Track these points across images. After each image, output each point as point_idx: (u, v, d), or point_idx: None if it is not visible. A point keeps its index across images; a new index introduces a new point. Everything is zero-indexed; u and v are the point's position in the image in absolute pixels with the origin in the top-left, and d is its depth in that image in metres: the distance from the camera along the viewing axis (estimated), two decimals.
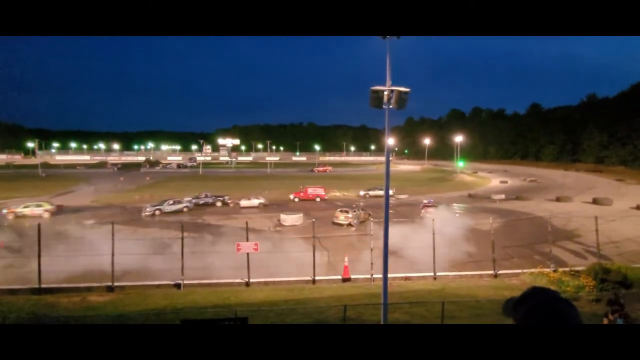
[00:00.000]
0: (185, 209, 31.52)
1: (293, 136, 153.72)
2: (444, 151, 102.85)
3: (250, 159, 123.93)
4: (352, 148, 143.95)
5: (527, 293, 1.40)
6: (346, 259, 16.14)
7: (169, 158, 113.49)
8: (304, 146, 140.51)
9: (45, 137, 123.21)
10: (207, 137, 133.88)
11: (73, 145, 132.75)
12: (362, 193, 41.34)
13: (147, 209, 30.22)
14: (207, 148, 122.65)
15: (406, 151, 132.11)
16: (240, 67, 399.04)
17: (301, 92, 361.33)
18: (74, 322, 11.46)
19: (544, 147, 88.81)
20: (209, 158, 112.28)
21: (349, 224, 25.58)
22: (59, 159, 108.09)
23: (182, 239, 15.73)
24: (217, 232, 22.37)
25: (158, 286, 15.19)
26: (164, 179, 58.38)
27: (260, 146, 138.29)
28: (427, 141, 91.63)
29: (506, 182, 55.47)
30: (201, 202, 34.40)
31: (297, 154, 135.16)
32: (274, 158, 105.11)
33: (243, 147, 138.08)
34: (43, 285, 14.42)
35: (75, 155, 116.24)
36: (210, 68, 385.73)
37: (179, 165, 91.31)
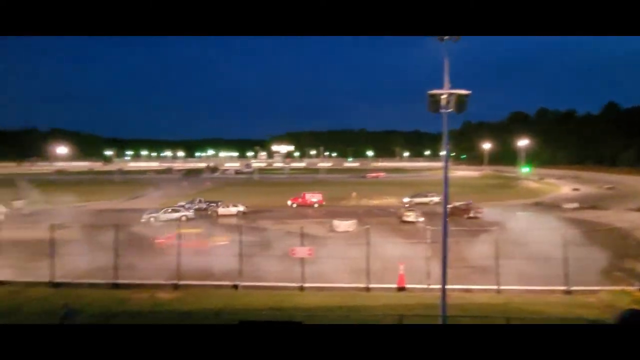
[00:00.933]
0: (183, 218, 30.37)
1: (345, 142, 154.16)
2: (505, 156, 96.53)
3: (303, 165, 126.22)
4: (406, 154, 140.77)
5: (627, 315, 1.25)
6: (401, 267, 15.71)
7: (226, 164, 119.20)
8: (356, 152, 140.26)
9: (120, 146, 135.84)
10: (262, 144, 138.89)
11: (144, 153, 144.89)
12: (406, 200, 39.10)
13: (144, 216, 30.22)
14: (262, 154, 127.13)
15: (463, 156, 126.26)
16: (292, 75, 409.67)
17: (352, 98, 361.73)
18: (143, 317, 12.40)
19: (621, 151, 79.99)
20: (263, 164, 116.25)
21: (415, 221, 28.16)
22: (132, 165, 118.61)
23: (241, 242, 16.37)
24: (274, 236, 22.95)
25: (217, 286, 15.91)
26: (222, 184, 61.44)
27: (313, 152, 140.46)
28: (486, 145, 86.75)
29: (578, 189, 50.68)
30: (195, 207, 34.50)
31: (350, 160, 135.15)
32: (326, 164, 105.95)
33: (296, 154, 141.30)
34: (117, 281, 15.79)
35: (146, 162, 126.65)
36: (263, 77, 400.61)
37: (236, 172, 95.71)
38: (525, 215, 32.20)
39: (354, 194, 43.78)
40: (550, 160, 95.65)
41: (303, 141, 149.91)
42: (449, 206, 35.52)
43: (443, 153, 12.69)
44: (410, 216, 29.59)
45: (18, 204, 36.83)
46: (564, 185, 56.51)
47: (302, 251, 15.85)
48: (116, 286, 15.71)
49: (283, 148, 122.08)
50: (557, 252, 15.96)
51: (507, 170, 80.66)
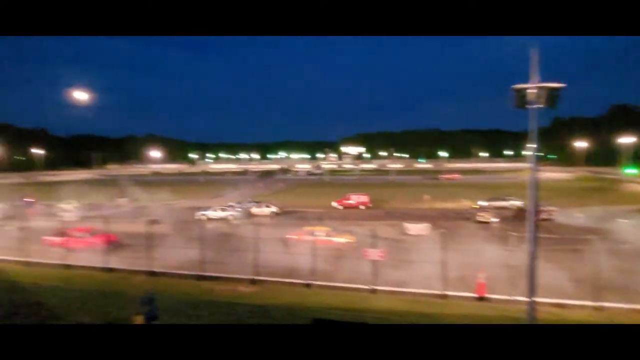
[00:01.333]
0: (230, 217, 31.85)
1: (417, 142, 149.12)
2: (603, 155, 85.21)
3: (373, 166, 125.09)
4: (484, 154, 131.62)
5: None
6: (481, 275, 14.74)
7: (297, 166, 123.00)
8: (429, 153, 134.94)
9: (203, 150, 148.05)
10: (332, 146, 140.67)
11: (223, 155, 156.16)
12: (482, 204, 35.63)
13: (197, 213, 32.38)
14: (333, 156, 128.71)
15: (552, 156, 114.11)
16: (361, 74, 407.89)
17: (425, 96, 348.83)
18: (224, 307, 13.37)
19: None
20: (334, 166, 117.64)
21: (489, 222, 28.19)
22: (213, 167, 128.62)
23: (314, 242, 16.78)
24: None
25: (290, 284, 16.50)
26: (294, 185, 63.56)
27: (383, 153, 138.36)
28: (580, 144, 77.43)
29: None
30: (243, 207, 35.19)
31: (422, 160, 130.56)
32: (397, 165, 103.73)
33: (367, 155, 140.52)
34: (204, 273, 17.24)
35: (225, 164, 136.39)
36: (332, 78, 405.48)
37: (308, 173, 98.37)
38: (629, 222, 28.06)
39: (426, 196, 42.16)
40: None
41: (374, 142, 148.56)
42: (511, 207, 33.25)
43: (528, 153, 11.67)
44: (484, 216, 29.77)
45: (121, 201, 42.15)
46: None
47: (373, 253, 15.73)
48: (202, 278, 17.14)
49: (353, 149, 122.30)
50: None
51: (606, 172, 71.04)
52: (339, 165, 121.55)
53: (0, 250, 21.03)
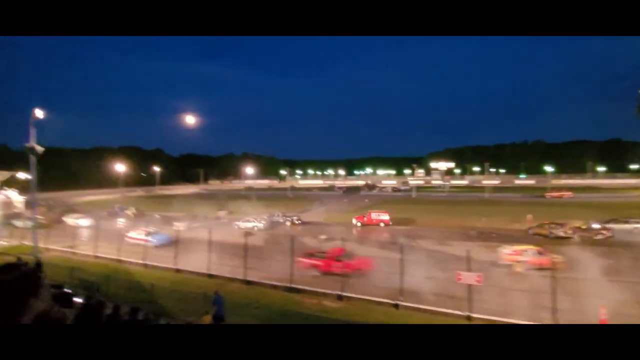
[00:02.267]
0: (255, 228, 34.71)
1: (516, 156, 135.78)
2: None
3: (464, 182, 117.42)
4: (601, 168, 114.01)
5: None
6: (603, 310, 12.62)
7: (383, 182, 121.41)
8: (530, 168, 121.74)
9: (292, 166, 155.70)
10: (419, 161, 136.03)
11: (310, 172, 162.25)
12: (596, 226, 30.11)
13: (233, 224, 36.51)
14: (420, 172, 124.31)
15: None
16: (449, 85, 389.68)
17: (521, 105, 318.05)
18: (315, 320, 13.63)
19: None
20: (421, 182, 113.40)
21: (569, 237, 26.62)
22: (301, 183, 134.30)
23: (402, 260, 16.28)
24: (434, 257, 21.98)
25: (379, 302, 16.14)
26: (379, 202, 62.73)
27: (476, 169, 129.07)
28: None
29: None
30: (273, 219, 38.52)
31: (522, 176, 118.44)
32: (493, 181, 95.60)
33: (457, 171, 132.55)
34: (292, 285, 17.90)
35: (312, 180, 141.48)
36: (419, 91, 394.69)
37: (393, 189, 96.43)
38: None
39: (529, 216, 37.86)
40: None
41: (465, 157, 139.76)
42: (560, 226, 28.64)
43: None
44: (564, 231, 28.94)
45: (220, 213, 46.31)
46: None
47: (469, 277, 14.58)
48: (291, 290, 17.79)
49: (442, 165, 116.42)
50: None
51: None
52: (427, 182, 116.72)
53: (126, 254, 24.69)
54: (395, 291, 15.97)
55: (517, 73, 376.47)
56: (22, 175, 38.78)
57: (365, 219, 38.58)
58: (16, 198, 39.06)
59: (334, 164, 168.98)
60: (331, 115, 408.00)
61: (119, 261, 24.11)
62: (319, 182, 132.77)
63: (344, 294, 16.78)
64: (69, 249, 27.34)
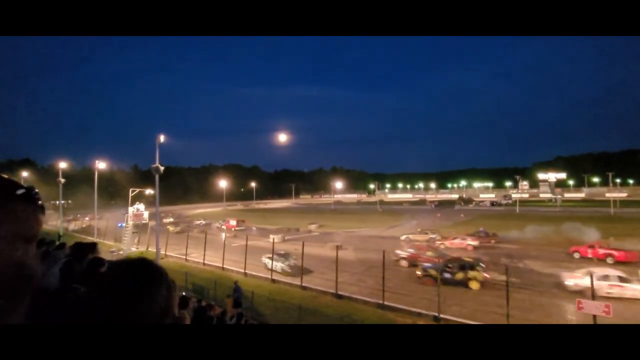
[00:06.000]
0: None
1: None
2: None
3: (581, 195, 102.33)
4: None
5: None
6: None
7: (481, 196, 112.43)
8: None
9: (381, 180, 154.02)
10: (523, 172, 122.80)
11: (400, 185, 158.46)
12: None
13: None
14: (524, 184, 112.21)
15: None
16: (556, 85, 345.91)
17: None
18: None
19: None
20: (526, 195, 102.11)
21: None
22: (390, 197, 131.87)
23: (507, 286, 14.65)
24: (544, 281, 19.39)
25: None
26: (477, 217, 58.05)
27: (596, 180, 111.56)
28: None
29: None
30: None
31: None
32: (620, 194, 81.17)
33: (570, 182, 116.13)
34: (385, 302, 17.40)
35: (402, 194, 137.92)
36: (520, 96, 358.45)
37: (492, 203, 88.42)
38: None
39: None
40: None
41: (580, 166, 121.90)
42: None
43: None
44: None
45: (312, 227, 47.74)
46: None
47: (594, 307, 12.43)
48: (383, 307, 17.29)
49: (552, 176, 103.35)
50: None
51: None
52: (533, 195, 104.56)
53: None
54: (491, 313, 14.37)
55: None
56: (148, 191, 45.25)
57: (589, 252, 26.75)
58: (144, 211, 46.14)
59: (425, 177, 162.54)
60: (422, 127, 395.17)
61: (223, 269, 26.33)
62: (408, 196, 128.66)
63: (442, 315, 15.68)
64: (182, 256, 30.86)
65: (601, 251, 26.13)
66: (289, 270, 23.32)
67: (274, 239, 30.40)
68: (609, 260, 25.07)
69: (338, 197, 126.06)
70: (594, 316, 12.40)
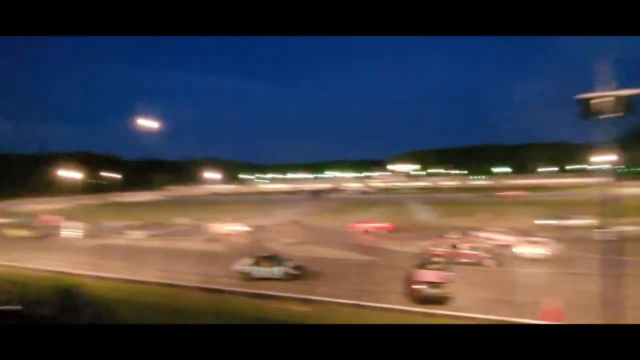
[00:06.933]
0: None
1: (475, 159, 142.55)
2: None
3: (427, 184, 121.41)
4: (551, 169, 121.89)
5: None
6: (549, 301, 13.39)
7: (348, 185, 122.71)
8: (488, 169, 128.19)
9: (258, 170, 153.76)
10: (383, 164, 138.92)
11: (276, 175, 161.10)
12: (541, 223, 33.28)
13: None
14: (384, 174, 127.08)
15: (633, 169, 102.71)
16: (413, 90, 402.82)
17: (482, 109, 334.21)
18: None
19: None
20: (385, 184, 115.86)
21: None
22: (267, 187, 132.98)
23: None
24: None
25: (341, 304, 16.16)
26: (346, 204, 63.33)
27: (438, 171, 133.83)
28: None
29: None
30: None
31: (481, 177, 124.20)
32: (452, 183, 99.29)
33: (420, 173, 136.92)
34: (257, 291, 17.56)
35: (278, 184, 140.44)
36: (383, 95, 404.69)
37: (358, 192, 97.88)
38: None
39: (482, 214, 39.61)
40: None
41: (427, 160, 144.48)
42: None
43: (603, 167, 10.65)
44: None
45: (180, 220, 44.71)
46: None
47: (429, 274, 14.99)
48: (256, 295, 17.42)
49: (404, 167, 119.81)
50: None
51: None
52: (390, 184, 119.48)
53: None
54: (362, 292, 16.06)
55: (479, 80, 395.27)
56: None
57: (366, 225, 34.74)
58: None
59: (300, 168, 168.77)
60: (298, 120, 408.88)
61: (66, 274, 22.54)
62: (284, 186, 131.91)
63: (312, 297, 16.66)
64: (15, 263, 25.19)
65: (372, 225, 34.59)
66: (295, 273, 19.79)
67: (133, 235, 27.36)
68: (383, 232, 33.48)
69: (212, 188, 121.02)
70: None
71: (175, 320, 13.84)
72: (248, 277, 19.64)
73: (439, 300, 15.28)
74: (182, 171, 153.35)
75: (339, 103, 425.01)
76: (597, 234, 26.89)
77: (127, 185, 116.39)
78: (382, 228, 33.98)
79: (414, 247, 25.18)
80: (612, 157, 8.70)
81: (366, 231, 34.08)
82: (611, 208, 8.57)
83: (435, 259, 18.86)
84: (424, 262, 17.97)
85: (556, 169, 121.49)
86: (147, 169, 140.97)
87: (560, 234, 27.61)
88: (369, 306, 15.54)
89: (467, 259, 21.15)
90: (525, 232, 27.86)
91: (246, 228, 36.01)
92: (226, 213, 48.25)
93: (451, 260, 20.11)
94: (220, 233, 33.82)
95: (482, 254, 21.30)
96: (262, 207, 63.10)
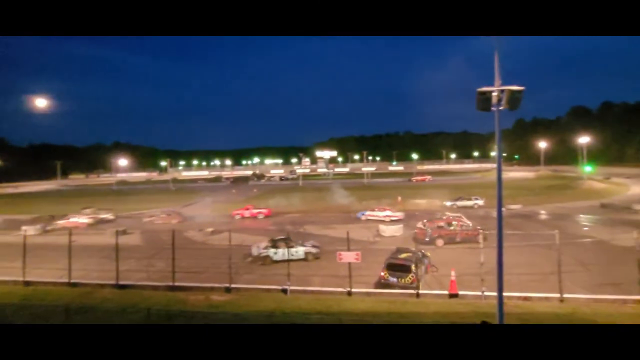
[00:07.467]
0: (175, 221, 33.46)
1: (390, 146, 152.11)
2: (564, 155, 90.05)
3: (347, 170, 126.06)
4: (453, 155, 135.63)
5: None
6: (453, 273, 15.13)
7: (271, 171, 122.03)
8: (402, 155, 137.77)
9: (174, 157, 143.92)
10: (305, 151, 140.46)
11: (195, 162, 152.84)
12: (448, 204, 38.46)
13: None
14: (306, 161, 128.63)
15: (516, 157, 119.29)
16: (334, 79, 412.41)
17: (396, 100, 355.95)
18: (201, 317, 13.03)
19: None
20: (307, 170, 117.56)
21: None
22: (185, 174, 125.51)
23: (288, 251, 16.64)
24: (319, 240, 23.18)
25: (267, 290, 16.30)
26: (268, 191, 63.03)
27: (356, 157, 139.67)
28: (542, 144, 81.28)
29: None
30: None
31: (394, 163, 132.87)
32: (371, 168, 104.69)
33: (340, 159, 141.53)
34: (175, 284, 16.74)
35: (197, 172, 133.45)
36: (305, 83, 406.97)
37: (281, 178, 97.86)
38: (590, 220, 29.78)
39: (399, 198, 42.98)
40: (617, 158, 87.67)
41: (347, 146, 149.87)
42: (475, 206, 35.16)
43: (494, 154, 12.13)
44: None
45: (85, 212, 40.30)
46: (634, 184, 51.40)
47: (349, 256, 15.80)
48: (174, 288, 16.62)
49: (327, 154, 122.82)
50: (629, 258, 14.56)
51: (566, 170, 75.02)
52: (313, 170, 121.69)
53: None
54: (283, 277, 16.30)
55: (394, 70, 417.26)
56: None
57: (245, 212, 36.66)
58: None
59: (221, 155, 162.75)
60: (218, 106, 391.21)
61: None
62: (204, 174, 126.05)
63: (233, 285, 16.44)
64: None
65: (254, 211, 36.59)
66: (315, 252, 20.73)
67: (27, 231, 23.94)
68: (260, 216, 36.17)
69: (122, 176, 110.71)
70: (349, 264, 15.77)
71: (88, 321, 12.65)
72: (268, 261, 20.04)
73: None
74: (88, 158, 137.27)
75: (260, 90, 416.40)
76: (492, 212, 30.97)
77: (16, 173, 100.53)
78: (258, 214, 36.55)
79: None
80: (500, 146, 9.97)
81: (242, 217, 36.04)
82: (502, 189, 9.88)
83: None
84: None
85: (454, 156, 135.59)
86: (43, 156, 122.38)
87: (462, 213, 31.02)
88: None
89: None
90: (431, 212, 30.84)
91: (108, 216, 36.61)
92: (141, 203, 44.77)
93: None
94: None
95: None
96: (180, 195, 59.78)
